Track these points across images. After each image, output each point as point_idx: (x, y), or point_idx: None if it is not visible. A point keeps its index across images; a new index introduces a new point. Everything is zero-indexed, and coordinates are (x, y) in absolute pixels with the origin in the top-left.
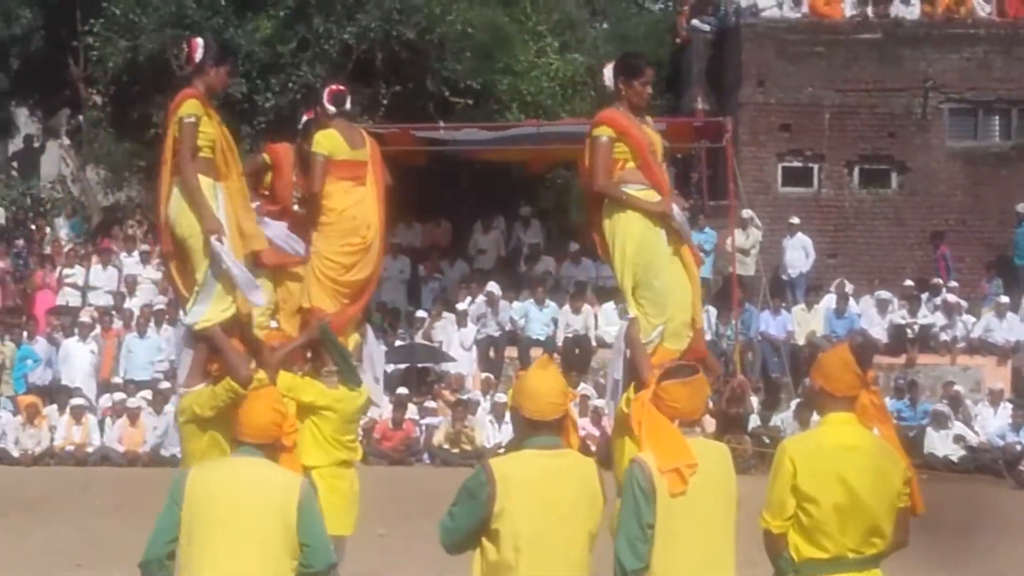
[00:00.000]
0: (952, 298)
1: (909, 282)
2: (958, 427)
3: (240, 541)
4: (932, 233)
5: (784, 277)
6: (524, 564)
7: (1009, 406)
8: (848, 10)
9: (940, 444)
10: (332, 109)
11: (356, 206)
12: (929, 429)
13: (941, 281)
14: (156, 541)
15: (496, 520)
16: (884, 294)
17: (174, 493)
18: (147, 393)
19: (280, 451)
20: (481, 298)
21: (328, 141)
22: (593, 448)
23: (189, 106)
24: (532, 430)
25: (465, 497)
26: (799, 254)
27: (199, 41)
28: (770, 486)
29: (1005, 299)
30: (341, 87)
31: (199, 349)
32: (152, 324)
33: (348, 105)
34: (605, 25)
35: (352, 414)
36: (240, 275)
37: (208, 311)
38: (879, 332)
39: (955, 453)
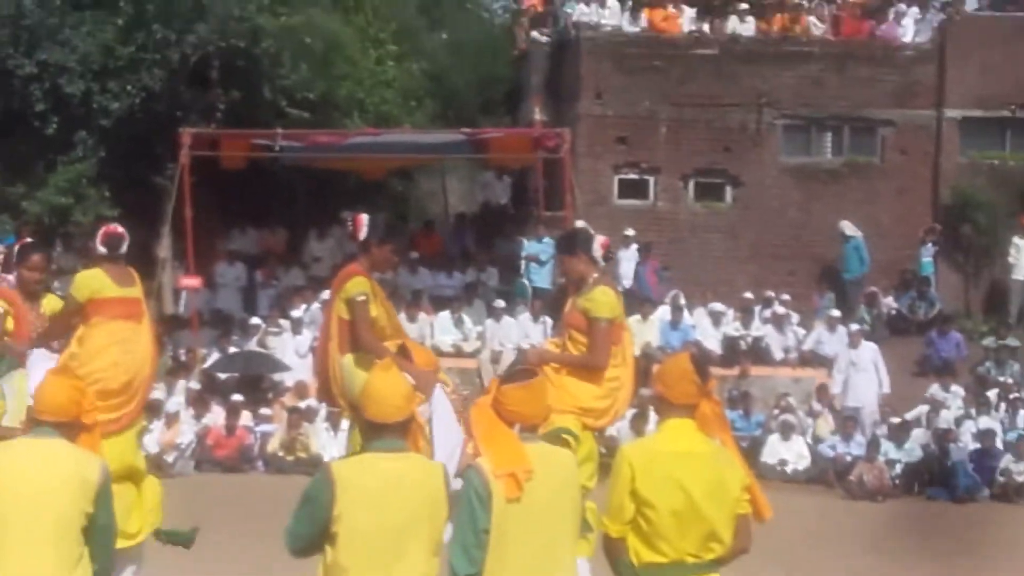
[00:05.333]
0: (782, 310)
1: (748, 294)
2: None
3: (35, 523)
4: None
5: (619, 289)
6: (357, 567)
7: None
8: (686, 26)
9: (784, 453)
10: (103, 250)
11: (124, 354)
12: (772, 438)
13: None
14: None
15: (335, 523)
16: (718, 306)
17: None
18: None
19: (80, 431)
20: (316, 305)
21: (89, 284)
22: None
23: (357, 284)
24: (375, 433)
25: (307, 500)
26: (634, 266)
27: (364, 218)
28: (609, 490)
29: (836, 312)
30: (119, 230)
31: None
32: None
33: (123, 249)
34: (444, 35)
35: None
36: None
37: None
38: (713, 344)
39: (796, 463)
